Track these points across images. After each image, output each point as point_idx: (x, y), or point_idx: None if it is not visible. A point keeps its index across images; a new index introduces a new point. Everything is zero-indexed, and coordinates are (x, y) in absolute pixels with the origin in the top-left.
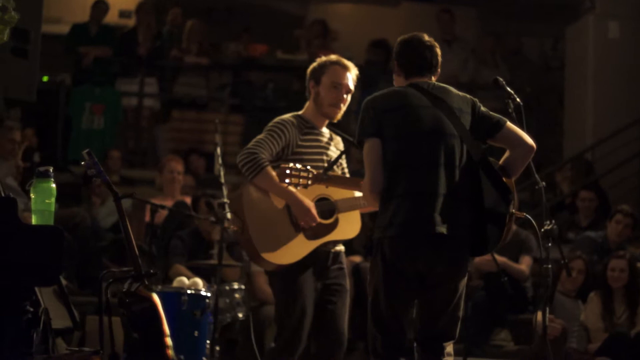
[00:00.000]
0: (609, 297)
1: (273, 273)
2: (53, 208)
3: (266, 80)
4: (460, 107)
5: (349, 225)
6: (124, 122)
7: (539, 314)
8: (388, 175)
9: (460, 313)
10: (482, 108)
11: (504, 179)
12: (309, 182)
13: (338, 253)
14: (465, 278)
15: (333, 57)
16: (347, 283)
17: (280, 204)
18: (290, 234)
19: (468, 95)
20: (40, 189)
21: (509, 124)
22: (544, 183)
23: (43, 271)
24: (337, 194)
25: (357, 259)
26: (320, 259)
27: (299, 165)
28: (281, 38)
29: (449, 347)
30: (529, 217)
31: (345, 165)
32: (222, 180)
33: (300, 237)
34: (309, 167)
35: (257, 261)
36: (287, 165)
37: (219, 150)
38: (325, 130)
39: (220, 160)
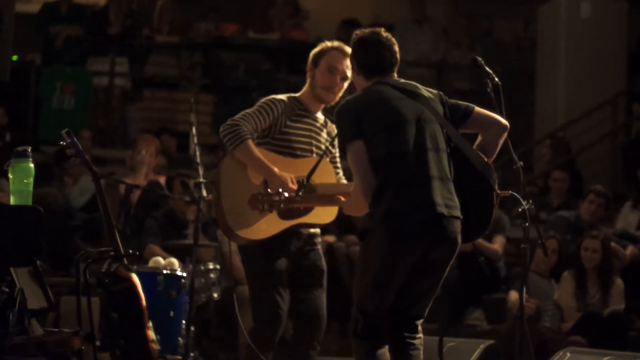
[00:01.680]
0: (582, 277)
1: (245, 251)
2: (31, 188)
3: (237, 60)
4: (430, 97)
5: (325, 210)
6: (95, 102)
7: (513, 294)
8: (379, 170)
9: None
10: (447, 98)
11: (485, 160)
12: (282, 205)
13: (313, 235)
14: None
15: (336, 42)
16: (324, 264)
17: (258, 179)
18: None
19: (434, 90)
20: (18, 169)
21: (477, 108)
22: (521, 163)
23: (23, 251)
24: (319, 177)
25: (330, 238)
26: (294, 240)
27: (269, 189)
28: (253, 18)
29: (420, 326)
30: (516, 194)
31: (337, 153)
32: (198, 160)
33: (274, 215)
34: (280, 190)
35: (227, 234)
36: (255, 194)
37: (194, 130)
38: (319, 116)
39: (195, 140)
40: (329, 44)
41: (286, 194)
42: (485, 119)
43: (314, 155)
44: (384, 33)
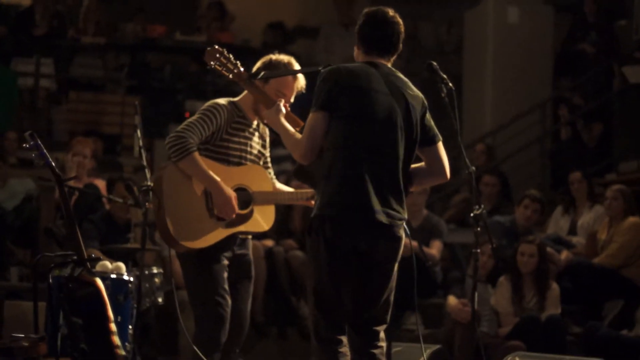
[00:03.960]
0: (519, 282)
1: (184, 257)
2: None
3: (164, 61)
4: (413, 104)
5: (263, 218)
6: (20, 103)
7: (451, 298)
8: (332, 154)
9: (392, 298)
10: (428, 115)
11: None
12: (230, 75)
13: (245, 239)
14: (397, 262)
15: (285, 58)
16: (252, 271)
17: (199, 189)
18: (205, 219)
19: (419, 92)
20: None
21: (440, 144)
22: (474, 168)
23: None
24: (255, 185)
25: (269, 243)
26: (229, 243)
27: (231, 56)
28: (179, 19)
29: (382, 332)
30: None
31: (268, 155)
32: (145, 162)
33: (214, 224)
34: (238, 63)
35: (168, 242)
36: (220, 49)
37: (139, 132)
38: (254, 121)
39: (140, 142)
40: (282, 60)
41: (242, 70)
42: (436, 160)
43: (248, 162)
44: (391, 12)
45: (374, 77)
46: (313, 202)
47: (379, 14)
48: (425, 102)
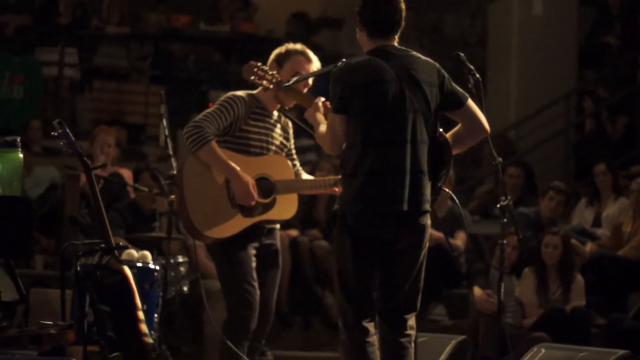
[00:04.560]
0: (543, 273)
1: (211, 248)
2: (20, 178)
3: (187, 51)
4: (430, 81)
5: (286, 207)
6: (44, 92)
7: (477, 289)
8: (355, 152)
9: (421, 285)
10: (447, 81)
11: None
12: (270, 86)
13: (272, 229)
14: (426, 250)
15: (299, 46)
16: (280, 260)
17: (220, 179)
18: (227, 209)
19: (432, 62)
20: (6, 159)
21: (469, 102)
22: (500, 159)
23: (14, 243)
24: (277, 174)
25: (293, 232)
26: (256, 233)
27: (267, 67)
28: (203, 9)
29: (411, 320)
30: (453, 195)
31: (292, 147)
32: (171, 152)
33: (236, 214)
34: (274, 73)
35: (191, 233)
36: (255, 63)
37: (164, 121)
38: (274, 113)
39: (166, 132)
40: (294, 46)
41: (278, 77)
42: (471, 117)
43: (270, 152)
44: None
45: (382, 68)
46: (337, 190)
47: None
48: (442, 70)
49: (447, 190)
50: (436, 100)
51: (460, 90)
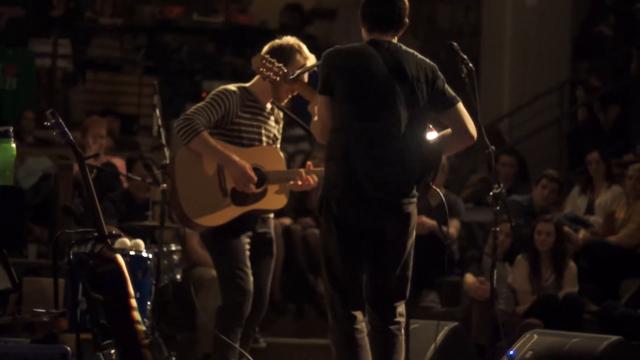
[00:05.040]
0: (536, 260)
1: (205, 236)
2: (12, 168)
3: (181, 42)
4: (418, 76)
5: (277, 197)
6: (37, 83)
7: (469, 277)
8: (338, 136)
9: (410, 273)
10: (440, 82)
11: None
12: (277, 78)
13: (266, 218)
14: (413, 238)
15: (295, 43)
16: (274, 248)
17: (212, 170)
18: (218, 198)
19: (428, 62)
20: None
21: (459, 106)
22: (493, 147)
23: (7, 233)
24: (269, 165)
25: (286, 221)
26: (249, 222)
27: (274, 60)
28: (197, 0)
29: (401, 307)
30: (442, 195)
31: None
32: (164, 141)
33: (228, 203)
34: (282, 65)
35: (183, 221)
36: (263, 55)
37: (158, 111)
38: (267, 105)
39: (160, 122)
40: (291, 42)
41: (285, 70)
42: (458, 122)
43: (263, 144)
44: None
45: (373, 58)
46: None
47: None
48: (437, 70)
49: (436, 188)
50: (425, 96)
51: (453, 93)
